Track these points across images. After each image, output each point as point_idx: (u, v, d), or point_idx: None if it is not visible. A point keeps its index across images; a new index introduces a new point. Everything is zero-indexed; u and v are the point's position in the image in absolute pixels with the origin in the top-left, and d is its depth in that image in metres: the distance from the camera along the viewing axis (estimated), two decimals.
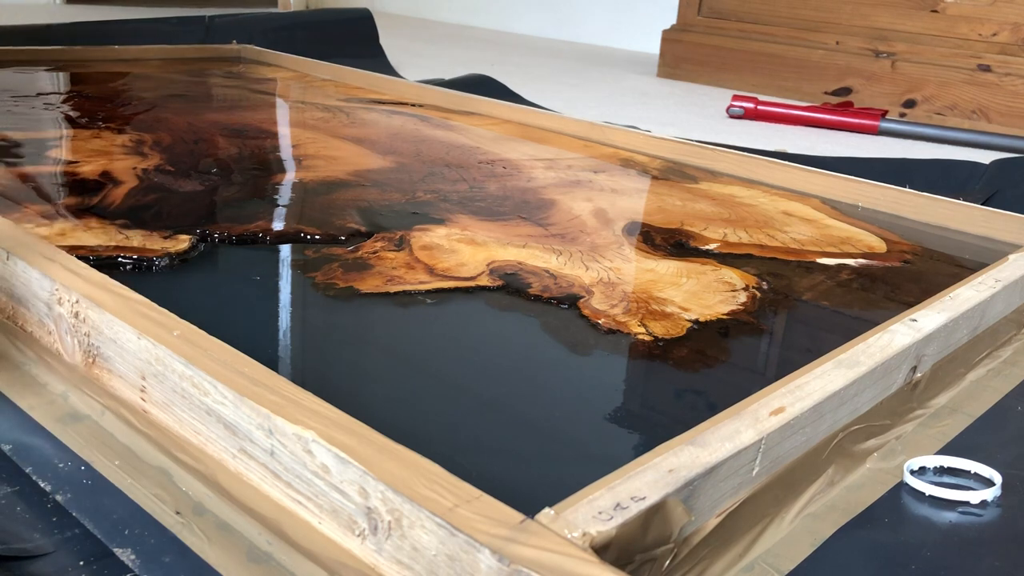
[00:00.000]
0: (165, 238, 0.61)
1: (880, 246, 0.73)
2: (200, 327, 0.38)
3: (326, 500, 0.31)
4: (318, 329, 0.53)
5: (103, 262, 0.56)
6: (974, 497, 0.40)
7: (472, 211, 0.73)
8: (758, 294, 0.60)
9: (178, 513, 0.35)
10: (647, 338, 0.52)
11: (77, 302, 0.41)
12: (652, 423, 0.46)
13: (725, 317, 0.55)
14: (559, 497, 0.29)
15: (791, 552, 0.36)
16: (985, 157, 1.17)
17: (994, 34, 1.49)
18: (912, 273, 0.67)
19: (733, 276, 0.62)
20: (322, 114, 1.09)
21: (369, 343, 0.51)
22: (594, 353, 0.51)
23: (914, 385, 0.46)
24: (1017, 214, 0.76)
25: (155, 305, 0.40)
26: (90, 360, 0.41)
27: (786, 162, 0.92)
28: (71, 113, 0.98)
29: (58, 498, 0.35)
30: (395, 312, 0.54)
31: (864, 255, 0.70)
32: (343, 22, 1.88)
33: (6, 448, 0.38)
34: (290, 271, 0.60)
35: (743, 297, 0.59)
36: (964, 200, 0.83)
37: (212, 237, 0.62)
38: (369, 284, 0.56)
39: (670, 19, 1.95)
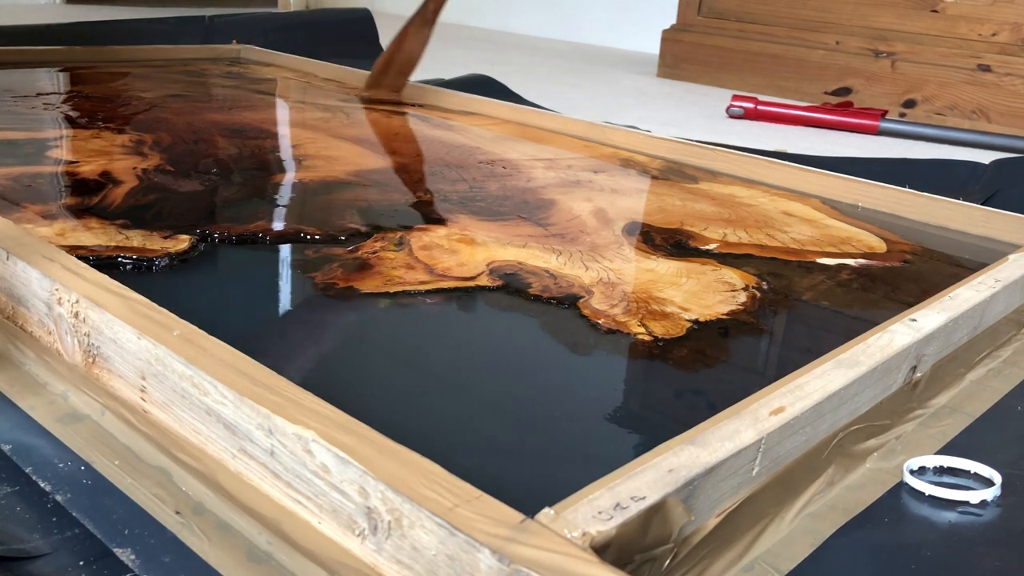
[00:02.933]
0: (165, 238, 0.61)
1: (880, 246, 0.73)
2: (200, 327, 0.38)
3: (326, 500, 0.31)
4: (318, 329, 0.53)
5: (103, 262, 0.56)
6: (974, 497, 0.40)
7: (472, 211, 0.73)
8: (758, 294, 0.60)
9: (178, 513, 0.35)
10: (647, 338, 0.52)
11: (77, 302, 0.41)
12: (652, 423, 0.46)
13: (725, 317, 0.55)
14: (559, 497, 0.29)
15: (791, 552, 0.36)
16: (985, 157, 1.17)
17: (994, 34, 1.49)
18: (912, 273, 0.67)
19: (733, 276, 0.62)
20: (322, 114, 1.09)
21: (369, 343, 0.51)
22: (594, 353, 0.51)
23: (914, 385, 0.46)
24: (1017, 214, 0.76)
25: (155, 305, 0.40)
26: (90, 360, 0.41)
27: (786, 162, 0.92)
28: (71, 113, 0.98)
29: (58, 498, 0.35)
30: (395, 312, 0.54)
31: (864, 255, 0.70)
32: (343, 22, 1.88)
33: (6, 448, 0.38)
34: (290, 271, 0.60)
35: (743, 297, 0.59)
36: (964, 200, 0.83)
37: (212, 237, 0.62)
38: (369, 284, 0.56)
39: (670, 19, 1.95)
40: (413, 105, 1.19)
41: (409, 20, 1.19)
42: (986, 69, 1.48)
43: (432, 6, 1.19)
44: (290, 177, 0.80)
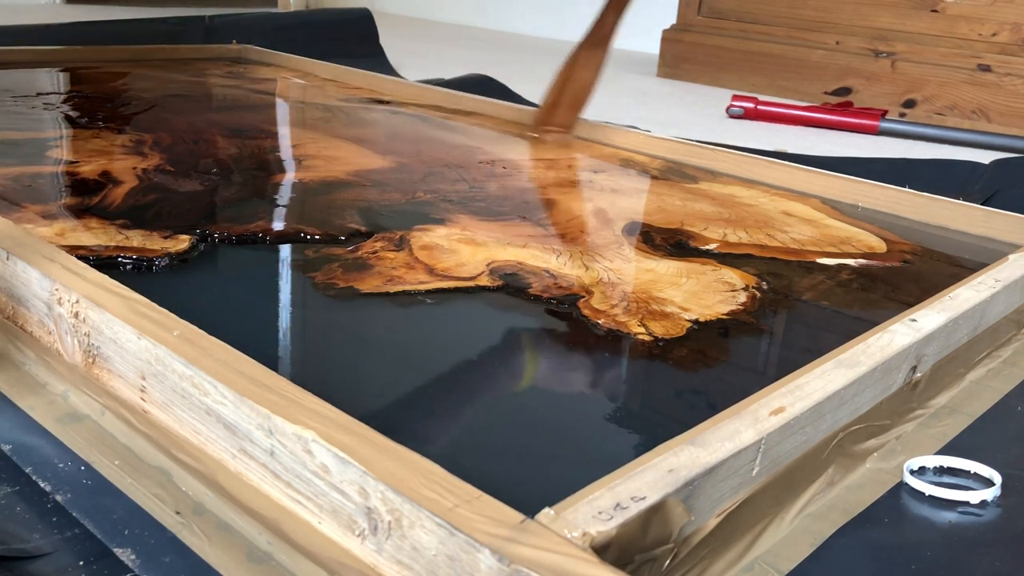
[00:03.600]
0: (165, 238, 0.61)
1: (880, 246, 0.73)
2: (200, 327, 0.38)
3: (326, 500, 0.31)
4: (318, 329, 0.53)
5: (103, 262, 0.56)
6: (974, 497, 0.40)
7: (472, 211, 0.73)
8: (758, 294, 0.60)
9: (178, 513, 0.35)
10: (647, 338, 0.52)
11: (77, 302, 0.41)
12: (652, 423, 0.46)
13: (725, 317, 0.55)
14: (559, 497, 0.29)
15: (791, 552, 0.36)
16: (985, 157, 1.17)
17: (994, 34, 1.49)
18: (912, 273, 0.67)
19: (733, 276, 0.62)
20: (322, 114, 1.09)
21: (369, 343, 0.51)
22: (594, 353, 0.51)
23: (914, 385, 0.46)
24: (1017, 214, 0.76)
25: (155, 305, 0.40)
26: (90, 360, 0.41)
27: (786, 162, 0.92)
28: (71, 113, 0.98)
29: (58, 498, 0.35)
30: (395, 312, 0.54)
31: (864, 255, 0.70)
32: (343, 22, 1.88)
33: (6, 448, 0.38)
34: (290, 271, 0.60)
35: (743, 297, 0.59)
36: (964, 200, 0.83)
37: (212, 237, 0.62)
38: (369, 284, 0.56)
39: (670, 19, 1.95)
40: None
41: (579, 43, 1.02)
42: (986, 69, 1.48)
43: (609, 22, 1.01)
44: (290, 177, 0.80)
